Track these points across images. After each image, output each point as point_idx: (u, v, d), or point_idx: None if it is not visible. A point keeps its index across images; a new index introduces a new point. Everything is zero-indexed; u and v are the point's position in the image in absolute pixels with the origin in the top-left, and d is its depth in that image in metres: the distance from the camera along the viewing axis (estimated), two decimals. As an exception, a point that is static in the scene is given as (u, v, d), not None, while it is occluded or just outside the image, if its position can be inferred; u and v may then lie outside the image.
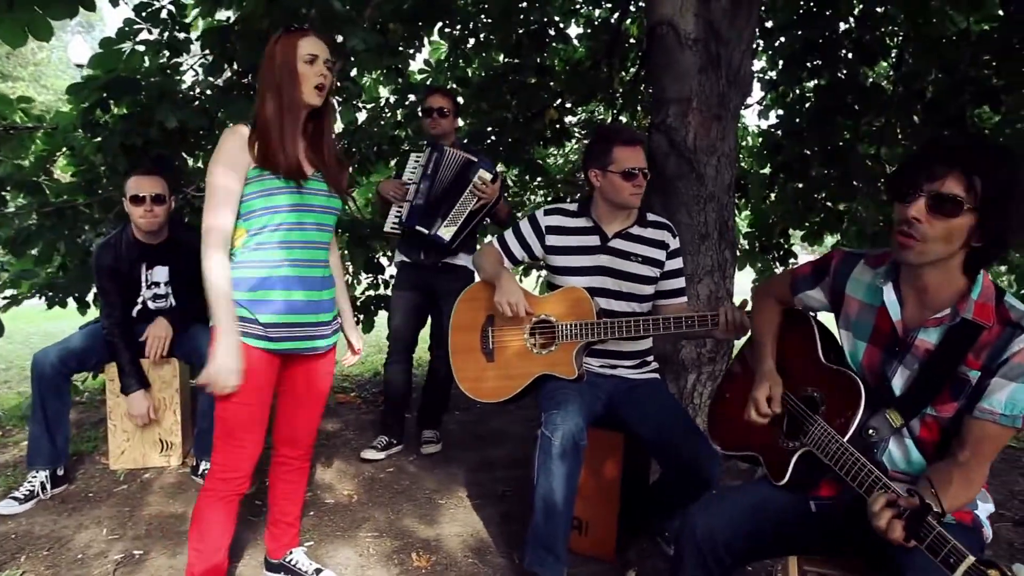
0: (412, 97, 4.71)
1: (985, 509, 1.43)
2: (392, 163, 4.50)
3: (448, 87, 4.68)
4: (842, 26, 4.42)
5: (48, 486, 2.77)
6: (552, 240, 2.43)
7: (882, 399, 1.48)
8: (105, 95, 3.36)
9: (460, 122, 5.02)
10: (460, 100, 4.70)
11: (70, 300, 3.81)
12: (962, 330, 1.37)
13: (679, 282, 2.46)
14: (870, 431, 1.46)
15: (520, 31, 4.67)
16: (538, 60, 4.73)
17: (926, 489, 1.27)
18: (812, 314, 1.76)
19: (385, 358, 3.45)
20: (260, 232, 1.83)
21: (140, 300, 2.94)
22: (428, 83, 4.83)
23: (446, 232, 3.13)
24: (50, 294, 3.73)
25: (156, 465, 3.12)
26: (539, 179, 5.34)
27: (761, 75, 5.42)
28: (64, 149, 3.61)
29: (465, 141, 3.62)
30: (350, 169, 4.56)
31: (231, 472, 1.87)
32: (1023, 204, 1.29)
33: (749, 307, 2.07)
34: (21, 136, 3.48)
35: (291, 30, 1.83)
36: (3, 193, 3.49)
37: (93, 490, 2.89)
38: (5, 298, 3.77)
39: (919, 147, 1.48)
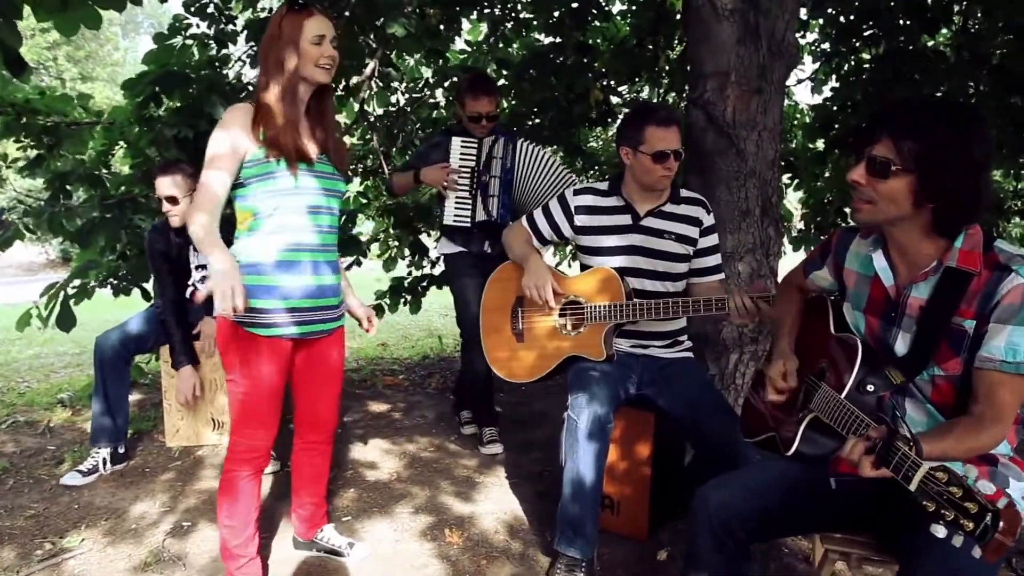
0: (453, 79, 4.70)
1: (1019, 488, 1.35)
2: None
3: (488, 71, 4.64)
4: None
5: (109, 462, 2.93)
6: (582, 220, 2.39)
7: (885, 362, 1.46)
8: (157, 89, 3.51)
9: (504, 103, 5.04)
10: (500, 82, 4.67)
11: (134, 289, 4.00)
12: (950, 280, 1.35)
13: (713, 259, 2.39)
14: (868, 386, 1.44)
15: (561, 9, 4.60)
16: (580, 39, 4.65)
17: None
18: (829, 297, 1.75)
19: (462, 346, 3.31)
20: (265, 217, 1.83)
21: (191, 283, 3.06)
22: (468, 64, 4.79)
23: None
24: (114, 282, 3.94)
25: (209, 443, 3.27)
26: (581, 162, 5.27)
27: (813, 47, 5.22)
28: (121, 143, 3.78)
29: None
30: (392, 151, 4.61)
31: (249, 451, 1.94)
32: (958, 159, 1.27)
33: (770, 292, 2.06)
34: (82, 131, 3.65)
35: (295, 8, 1.80)
36: (67, 187, 3.70)
37: (150, 466, 3.05)
38: (74, 287, 3.98)
39: (869, 112, 1.52)
